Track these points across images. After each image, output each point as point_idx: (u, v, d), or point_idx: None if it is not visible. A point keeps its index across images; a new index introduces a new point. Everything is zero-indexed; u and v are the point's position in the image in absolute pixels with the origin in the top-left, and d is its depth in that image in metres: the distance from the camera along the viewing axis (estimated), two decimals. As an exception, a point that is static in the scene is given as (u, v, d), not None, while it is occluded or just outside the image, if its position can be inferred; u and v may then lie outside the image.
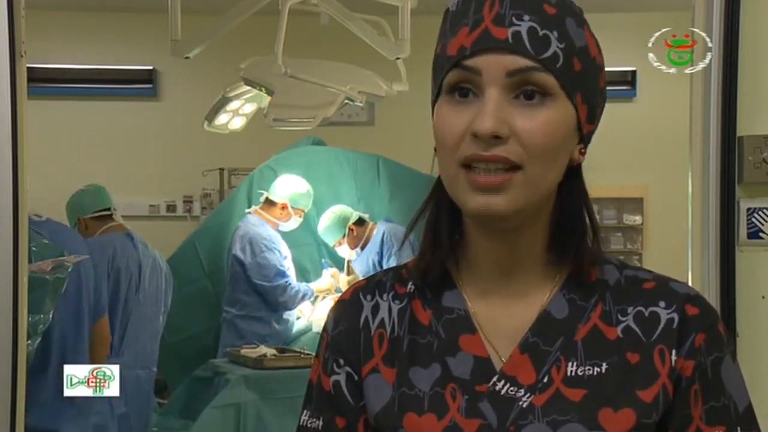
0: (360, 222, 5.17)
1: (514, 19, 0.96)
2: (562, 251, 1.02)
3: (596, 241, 1.03)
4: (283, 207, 4.95)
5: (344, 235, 5.13)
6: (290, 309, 4.98)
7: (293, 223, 5.01)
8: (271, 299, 4.89)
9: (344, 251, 5.20)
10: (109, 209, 4.17)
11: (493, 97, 0.95)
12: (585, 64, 0.99)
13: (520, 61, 0.95)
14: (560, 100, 0.97)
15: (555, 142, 0.96)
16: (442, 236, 1.05)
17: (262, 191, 5.08)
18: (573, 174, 1.02)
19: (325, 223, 5.15)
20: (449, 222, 1.05)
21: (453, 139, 0.96)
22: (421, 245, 1.07)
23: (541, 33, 0.96)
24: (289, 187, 4.99)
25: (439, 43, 1.02)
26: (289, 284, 4.90)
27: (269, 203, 4.98)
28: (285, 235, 5.14)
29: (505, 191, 0.95)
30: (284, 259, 4.95)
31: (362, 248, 5.20)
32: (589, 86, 1.00)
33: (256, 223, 4.93)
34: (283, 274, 4.89)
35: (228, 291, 4.99)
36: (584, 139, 1.02)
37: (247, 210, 5.03)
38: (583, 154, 1.02)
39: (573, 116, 0.98)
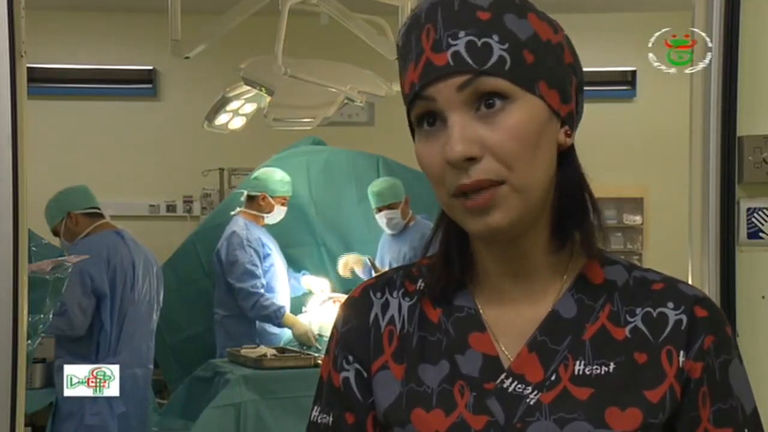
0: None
1: (450, 40, 0.96)
2: (565, 236, 1.02)
3: (598, 218, 1.03)
4: (263, 198, 4.92)
5: (400, 202, 5.06)
6: (252, 317, 4.84)
7: (277, 213, 4.96)
8: (238, 302, 4.82)
9: (389, 217, 5.06)
10: (98, 208, 4.18)
11: (456, 121, 0.95)
12: (539, 52, 0.97)
13: (466, 79, 0.95)
14: (521, 98, 0.96)
15: (528, 142, 0.96)
16: (454, 258, 1.06)
17: (241, 190, 5.07)
18: (565, 158, 1.02)
19: (386, 183, 5.07)
20: (459, 241, 1.06)
21: (436, 172, 0.97)
22: (437, 267, 1.07)
23: (480, 43, 0.95)
24: (262, 177, 4.98)
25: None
26: (255, 290, 4.78)
27: (250, 199, 4.97)
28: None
29: (499, 207, 0.95)
30: (265, 257, 4.89)
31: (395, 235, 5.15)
32: (551, 70, 0.99)
33: (240, 223, 4.89)
34: (252, 274, 4.79)
35: (216, 291, 4.98)
36: (567, 121, 1.01)
37: (232, 213, 5.02)
38: (569, 135, 1.02)
39: (541, 107, 0.97)
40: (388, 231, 5.17)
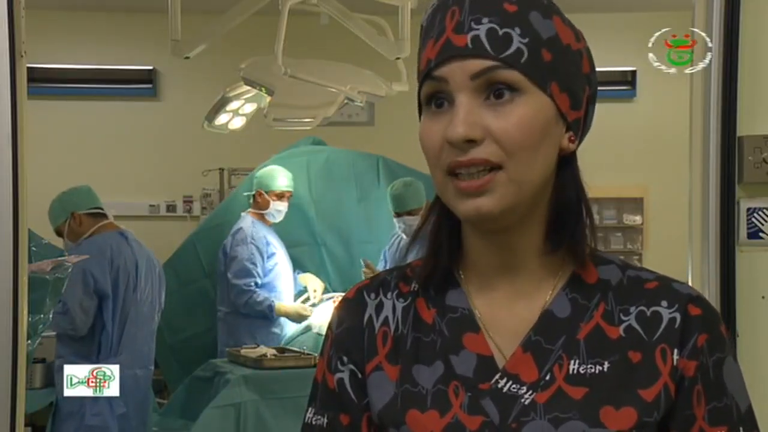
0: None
1: (472, 24, 0.97)
2: (559, 241, 1.03)
3: (591, 228, 1.04)
4: (259, 195, 4.97)
5: (420, 208, 4.95)
6: (245, 313, 4.88)
7: (275, 209, 4.97)
8: (231, 297, 4.87)
9: (409, 224, 4.95)
10: (102, 209, 4.18)
11: (463, 102, 0.96)
12: (557, 54, 0.99)
13: (482, 63, 0.96)
14: (531, 93, 0.97)
15: (531, 136, 0.97)
16: (443, 244, 1.06)
17: (243, 192, 5.11)
18: (566, 163, 1.03)
19: (408, 188, 5.01)
20: (449, 228, 1.06)
21: (434, 150, 0.98)
22: (426, 252, 1.08)
23: (501, 32, 0.97)
24: (258, 175, 5.03)
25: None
26: (248, 288, 4.83)
27: (252, 199, 5.03)
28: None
29: (491, 192, 0.96)
30: (270, 257, 4.92)
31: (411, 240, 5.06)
32: (566, 74, 1.00)
33: (248, 221, 4.96)
34: (248, 272, 4.84)
35: (219, 288, 5.01)
36: (573, 127, 1.02)
37: (242, 213, 5.05)
38: (573, 141, 1.02)
39: (549, 107, 0.98)
40: (404, 237, 5.07)
